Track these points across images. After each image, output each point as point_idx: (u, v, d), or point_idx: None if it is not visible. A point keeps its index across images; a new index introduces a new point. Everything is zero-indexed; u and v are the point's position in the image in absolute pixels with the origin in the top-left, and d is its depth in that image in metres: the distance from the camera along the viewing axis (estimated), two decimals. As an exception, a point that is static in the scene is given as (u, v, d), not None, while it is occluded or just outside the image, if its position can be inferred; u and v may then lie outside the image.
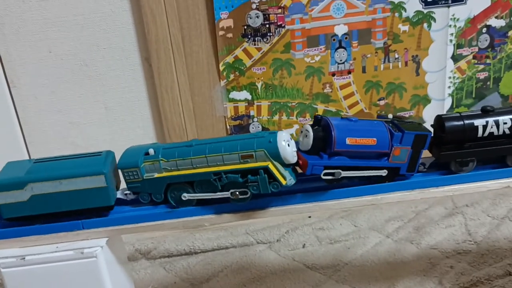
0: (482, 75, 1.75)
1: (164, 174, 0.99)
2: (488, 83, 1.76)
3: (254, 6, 1.59)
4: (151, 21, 1.56)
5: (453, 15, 1.67)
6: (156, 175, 0.99)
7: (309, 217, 1.77)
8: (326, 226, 1.69)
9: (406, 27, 1.67)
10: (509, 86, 1.77)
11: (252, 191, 0.96)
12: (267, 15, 1.61)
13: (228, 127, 1.72)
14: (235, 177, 0.96)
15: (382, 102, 1.74)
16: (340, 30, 1.65)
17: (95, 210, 0.99)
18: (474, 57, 1.73)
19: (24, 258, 0.96)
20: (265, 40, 1.63)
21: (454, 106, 1.78)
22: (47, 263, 0.96)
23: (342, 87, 1.72)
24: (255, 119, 1.72)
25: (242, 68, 1.66)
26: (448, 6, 1.65)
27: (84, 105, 1.66)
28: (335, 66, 1.69)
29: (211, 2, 1.58)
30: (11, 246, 0.99)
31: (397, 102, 1.75)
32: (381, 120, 1.03)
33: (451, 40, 1.70)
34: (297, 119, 1.73)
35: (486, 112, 1.03)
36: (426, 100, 1.76)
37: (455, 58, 1.72)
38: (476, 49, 1.72)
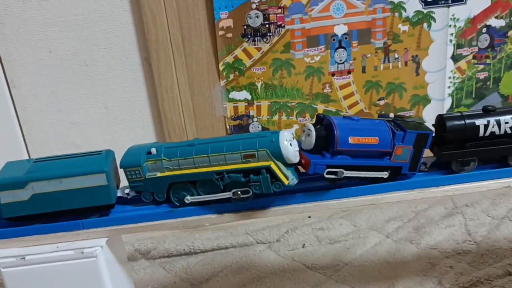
0: (482, 75, 1.75)
1: (166, 173, 0.99)
2: (488, 83, 1.76)
3: (254, 6, 1.59)
4: (151, 21, 1.56)
5: (453, 15, 1.67)
6: (158, 174, 0.99)
7: (309, 217, 1.77)
8: (326, 226, 1.69)
9: (406, 27, 1.67)
10: (509, 86, 1.77)
11: (254, 191, 0.96)
12: (267, 15, 1.61)
13: (227, 127, 1.72)
14: (237, 177, 0.95)
15: (382, 102, 1.75)
16: (340, 30, 1.65)
17: (96, 208, 0.99)
18: (474, 57, 1.73)
19: (24, 258, 0.96)
20: (265, 40, 1.63)
21: (454, 106, 1.78)
22: (47, 263, 0.96)
23: (342, 87, 1.72)
24: (255, 119, 1.72)
25: (242, 68, 1.66)
26: (448, 6, 1.66)
27: (84, 105, 1.66)
28: (335, 66, 1.69)
29: (211, 2, 1.58)
30: (11, 245, 0.99)
31: (397, 102, 1.75)
32: (383, 119, 1.03)
33: (451, 40, 1.70)
34: (297, 119, 1.73)
35: (487, 111, 1.03)
36: (426, 100, 1.76)
37: (455, 58, 1.73)
38: (476, 49, 1.72)
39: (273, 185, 0.95)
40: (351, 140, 0.97)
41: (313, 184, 1.03)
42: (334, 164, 0.97)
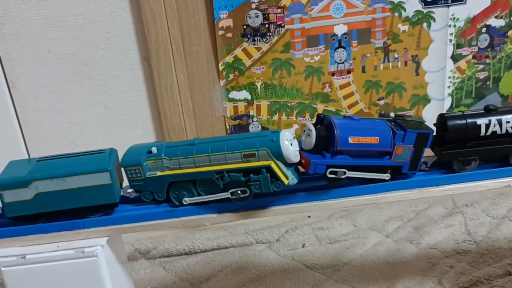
0: (481, 75, 1.76)
1: (167, 172, 0.99)
2: (488, 83, 1.77)
3: (253, 6, 1.59)
4: (151, 21, 1.56)
5: (452, 14, 1.67)
6: (159, 173, 0.99)
7: (309, 217, 1.77)
8: (325, 226, 1.69)
9: (405, 27, 1.67)
10: (508, 86, 1.77)
11: (254, 190, 0.96)
12: (266, 15, 1.61)
13: (227, 126, 1.72)
14: (238, 176, 0.96)
15: (381, 102, 1.75)
16: (340, 29, 1.65)
17: (100, 207, 0.99)
18: (473, 57, 1.73)
19: (24, 257, 0.96)
20: (264, 40, 1.63)
21: (453, 106, 1.78)
22: (47, 262, 0.96)
23: (342, 86, 1.72)
24: (255, 119, 1.72)
25: (242, 67, 1.66)
26: (448, 6, 1.66)
27: (84, 104, 1.66)
28: (335, 66, 1.69)
29: (211, 2, 1.58)
30: (11, 245, 0.99)
31: (396, 101, 1.75)
32: (383, 119, 1.03)
33: (450, 40, 1.70)
34: (296, 118, 1.73)
35: (489, 111, 1.03)
36: (425, 100, 1.76)
37: (455, 58, 1.73)
38: (476, 49, 1.72)
39: (273, 185, 0.95)
40: (351, 140, 0.97)
41: (313, 184, 1.03)
42: (334, 164, 0.97)
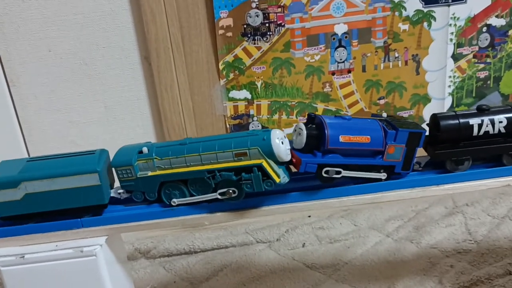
0: (482, 74, 1.75)
1: (158, 172, 0.99)
2: (489, 82, 1.76)
3: (254, 5, 1.59)
4: (151, 20, 1.56)
5: (453, 14, 1.66)
6: (150, 173, 0.99)
7: (309, 216, 1.76)
8: (326, 225, 1.69)
9: (406, 26, 1.67)
10: (509, 85, 1.77)
11: (246, 189, 0.96)
12: (267, 14, 1.61)
13: (227, 126, 1.72)
14: (229, 175, 0.95)
15: (382, 101, 1.74)
16: (340, 29, 1.65)
17: (89, 208, 0.99)
18: (474, 56, 1.73)
19: (23, 257, 0.96)
20: (264, 39, 1.63)
21: (454, 105, 1.77)
22: (46, 262, 0.96)
23: (342, 86, 1.71)
24: (255, 118, 1.72)
25: (242, 67, 1.65)
26: (448, 5, 1.65)
27: (84, 104, 1.66)
28: (335, 65, 1.69)
29: (211, 1, 1.58)
30: (10, 244, 0.99)
31: (397, 101, 1.75)
32: (375, 119, 1.03)
33: (451, 39, 1.70)
34: (297, 118, 1.73)
35: (481, 111, 1.03)
36: (426, 99, 1.76)
37: (455, 57, 1.72)
38: (477, 48, 1.72)
39: (265, 183, 0.95)
40: (342, 138, 0.97)
41: (312, 183, 1.03)
42: (325, 163, 0.97)
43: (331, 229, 1.68)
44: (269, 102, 1.71)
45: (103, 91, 1.65)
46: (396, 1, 1.63)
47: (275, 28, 1.62)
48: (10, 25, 1.55)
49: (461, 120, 1.02)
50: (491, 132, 1.02)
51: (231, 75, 1.66)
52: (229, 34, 1.61)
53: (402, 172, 1.02)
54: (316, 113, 1.70)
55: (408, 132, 0.99)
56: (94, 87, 1.64)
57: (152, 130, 1.71)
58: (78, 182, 0.96)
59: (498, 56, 1.74)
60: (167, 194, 1.00)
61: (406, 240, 1.59)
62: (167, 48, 1.59)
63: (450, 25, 1.68)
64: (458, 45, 1.71)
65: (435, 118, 1.04)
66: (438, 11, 1.66)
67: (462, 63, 1.73)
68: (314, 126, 1.00)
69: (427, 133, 1.03)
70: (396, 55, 1.70)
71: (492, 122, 1.02)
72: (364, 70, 1.70)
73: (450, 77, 1.74)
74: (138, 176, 0.99)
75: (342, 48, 1.67)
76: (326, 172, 0.97)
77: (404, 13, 1.65)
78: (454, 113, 1.03)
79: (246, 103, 1.70)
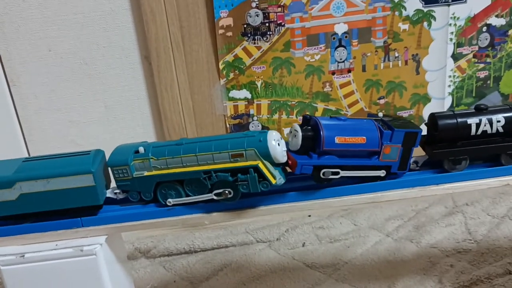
0: (482, 74, 1.75)
1: (154, 172, 0.99)
2: (488, 82, 1.76)
3: (254, 4, 1.59)
4: (151, 20, 1.56)
5: (453, 13, 1.66)
6: (146, 173, 0.99)
7: (309, 216, 1.77)
8: (326, 225, 1.69)
9: (406, 26, 1.67)
10: (509, 85, 1.77)
11: (242, 190, 0.96)
12: (267, 14, 1.61)
13: (227, 125, 1.72)
14: (225, 176, 0.95)
15: (382, 101, 1.74)
16: (340, 28, 1.65)
17: (84, 209, 0.99)
18: (474, 56, 1.73)
19: (23, 256, 0.96)
20: (265, 38, 1.63)
21: (454, 105, 1.77)
22: (46, 261, 0.96)
23: (342, 85, 1.71)
24: (255, 118, 1.72)
25: (242, 66, 1.66)
26: (448, 5, 1.65)
27: (84, 103, 1.66)
28: (335, 65, 1.69)
29: (211, 1, 1.58)
30: (10, 243, 0.99)
31: (397, 101, 1.75)
32: (370, 119, 1.03)
33: (451, 39, 1.70)
34: (297, 118, 1.73)
35: (479, 110, 1.03)
36: (426, 99, 1.76)
37: (455, 57, 1.72)
38: (476, 48, 1.72)
39: (261, 185, 0.95)
40: (337, 140, 0.97)
41: (312, 183, 1.03)
42: (320, 164, 0.97)
43: (331, 228, 1.68)
44: (269, 102, 1.71)
45: (103, 91, 1.65)
46: (396, 1, 1.63)
47: (275, 27, 1.62)
48: (10, 25, 1.55)
49: (459, 120, 1.02)
50: (489, 131, 1.02)
51: (231, 75, 1.66)
52: (229, 33, 1.61)
53: (399, 172, 1.02)
54: (316, 112, 1.72)
55: (404, 132, 0.99)
56: (94, 87, 1.64)
57: (152, 130, 1.71)
58: (72, 182, 0.96)
59: (498, 56, 1.74)
60: (163, 194, 1.00)
61: (406, 239, 1.59)
62: (167, 47, 1.59)
63: (450, 24, 1.68)
64: (458, 44, 1.71)
65: (433, 117, 1.04)
66: (438, 10, 1.66)
67: (462, 62, 1.73)
68: (309, 127, 1.00)
69: (424, 133, 1.03)
70: (396, 54, 1.70)
71: (490, 122, 1.02)
72: (364, 69, 1.70)
73: (450, 76, 1.74)
74: (134, 176, 0.99)
75: (342, 48, 1.67)
76: (324, 174, 0.97)
77: (404, 13, 1.65)
78: (452, 113, 1.03)
79: (246, 102, 1.70)
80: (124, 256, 1.15)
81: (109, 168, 1.00)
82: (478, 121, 1.02)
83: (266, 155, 0.94)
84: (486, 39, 1.71)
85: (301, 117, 1.69)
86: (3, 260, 0.96)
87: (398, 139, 0.99)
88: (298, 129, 0.98)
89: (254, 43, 1.63)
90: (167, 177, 0.98)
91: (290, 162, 0.99)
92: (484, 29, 1.70)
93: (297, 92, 1.70)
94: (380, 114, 1.07)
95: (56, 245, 0.98)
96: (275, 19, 1.62)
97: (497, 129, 1.02)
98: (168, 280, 1.52)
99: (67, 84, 1.63)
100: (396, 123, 1.02)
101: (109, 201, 1.04)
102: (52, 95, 1.64)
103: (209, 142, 0.97)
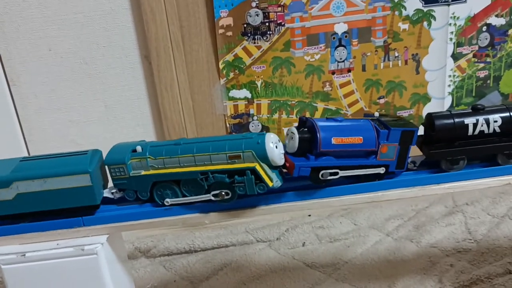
0: (482, 74, 1.75)
1: (151, 171, 0.99)
2: (488, 81, 1.76)
3: (254, 4, 1.59)
4: (151, 19, 1.56)
5: (453, 13, 1.67)
6: (143, 172, 0.99)
7: (309, 215, 1.77)
8: (326, 225, 1.69)
9: (406, 26, 1.67)
10: (509, 84, 1.77)
11: (238, 192, 0.96)
12: (267, 14, 1.61)
13: (228, 125, 1.72)
14: (222, 177, 0.95)
15: (382, 101, 1.74)
16: (340, 28, 1.65)
17: (81, 209, 0.99)
18: (474, 56, 1.73)
19: (24, 255, 0.96)
20: (265, 38, 1.63)
21: (454, 105, 1.78)
22: (47, 260, 0.96)
23: (342, 85, 1.72)
24: (255, 118, 1.72)
25: (242, 66, 1.66)
26: (448, 5, 1.66)
27: (84, 103, 1.66)
28: (335, 65, 1.69)
29: (211, 0, 1.58)
30: (11, 242, 0.99)
31: (397, 100, 1.75)
32: (367, 119, 1.03)
33: (451, 39, 1.70)
34: (297, 117, 1.73)
35: (476, 110, 1.03)
36: (426, 98, 1.76)
37: (455, 57, 1.72)
38: (476, 47, 1.72)
39: (257, 187, 0.95)
40: (334, 140, 0.97)
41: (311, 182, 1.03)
42: (318, 166, 0.97)
43: (331, 228, 1.68)
44: (269, 102, 1.71)
45: (103, 90, 1.65)
46: (396, 1, 1.63)
47: (275, 27, 1.62)
48: (11, 24, 1.55)
49: (456, 120, 1.02)
50: (486, 131, 1.02)
51: (231, 74, 1.66)
52: (229, 33, 1.61)
53: (397, 171, 1.02)
54: (316, 112, 1.72)
55: (400, 131, 0.99)
56: (94, 86, 1.64)
57: (152, 129, 1.71)
58: (69, 182, 0.95)
59: (498, 56, 1.74)
60: (159, 193, 1.00)
61: (406, 239, 1.59)
62: (167, 47, 1.59)
63: (450, 24, 1.68)
64: (458, 44, 1.71)
65: (430, 117, 1.04)
66: (438, 10, 1.66)
67: (462, 62, 1.73)
68: (306, 129, 1.00)
69: (421, 132, 1.03)
70: (396, 54, 1.70)
71: (487, 122, 1.02)
72: (364, 69, 1.70)
73: (450, 76, 1.74)
74: (131, 175, 0.99)
75: (342, 48, 1.67)
76: (322, 175, 0.97)
77: (404, 13, 1.65)
78: (449, 113, 1.03)
79: (246, 102, 1.70)
80: (124, 255, 1.15)
81: (106, 167, 1.00)
82: (475, 121, 1.02)
83: (263, 157, 0.94)
84: (486, 38, 1.72)
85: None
86: (4, 259, 0.96)
87: (395, 138, 0.99)
88: (295, 131, 0.98)
89: (254, 43, 1.63)
90: (164, 177, 0.98)
91: (287, 164, 0.99)
92: (484, 28, 1.70)
93: (297, 91, 1.70)
94: (376, 114, 1.07)
95: (57, 244, 0.98)
96: (275, 19, 1.62)
97: (494, 129, 1.02)
98: (168, 279, 1.52)
99: (67, 83, 1.63)
100: (392, 122, 1.02)
101: (106, 200, 1.03)
102: (52, 94, 1.64)
103: (207, 143, 0.97)
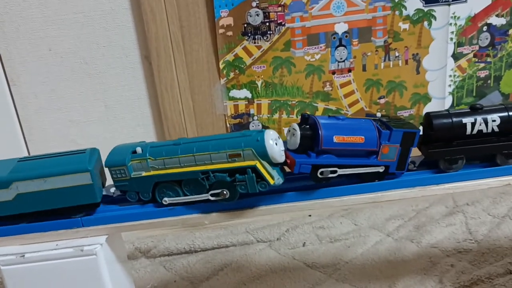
0: (482, 74, 1.75)
1: (152, 172, 0.98)
2: (489, 81, 1.76)
3: (254, 4, 1.59)
4: (151, 19, 1.56)
5: (453, 13, 1.66)
6: (144, 173, 0.98)
7: (310, 215, 1.76)
8: (326, 225, 1.69)
9: (406, 25, 1.67)
10: (509, 84, 1.77)
11: (240, 190, 0.95)
12: (267, 13, 1.61)
13: (228, 125, 1.72)
14: (223, 176, 0.95)
15: (382, 101, 1.74)
16: (341, 28, 1.65)
17: (82, 208, 0.99)
18: (474, 56, 1.73)
19: (23, 256, 0.96)
20: (265, 38, 1.63)
21: (454, 105, 1.77)
22: (46, 261, 0.96)
23: (343, 85, 1.71)
24: (255, 118, 1.72)
25: (242, 66, 1.65)
26: (449, 4, 1.65)
27: (84, 103, 1.66)
28: (335, 64, 1.69)
29: (211, 0, 1.57)
30: (10, 243, 0.99)
31: (397, 100, 1.75)
32: (369, 119, 1.03)
33: (451, 39, 1.70)
34: (297, 117, 1.73)
35: (474, 109, 1.03)
36: (426, 98, 1.76)
37: (456, 57, 1.72)
38: (477, 47, 1.72)
39: (259, 185, 0.94)
40: (336, 139, 0.97)
41: (311, 182, 1.03)
42: (319, 164, 0.97)
43: (332, 228, 1.68)
44: (270, 101, 1.71)
45: (104, 90, 1.65)
46: (396, 0, 1.63)
47: (276, 27, 1.62)
48: (11, 24, 1.55)
49: (454, 119, 1.02)
50: (484, 131, 1.02)
51: (232, 74, 1.66)
52: (230, 33, 1.61)
53: (397, 172, 1.02)
54: (317, 112, 1.72)
55: (402, 132, 0.99)
56: (94, 86, 1.64)
57: (152, 129, 1.71)
58: (69, 181, 0.95)
59: (499, 55, 1.74)
60: (162, 194, 1.00)
61: (407, 239, 1.59)
62: (168, 47, 1.59)
63: (451, 24, 1.68)
64: (459, 44, 1.71)
65: (428, 117, 1.04)
66: (439, 10, 1.66)
67: (463, 62, 1.73)
68: (308, 126, 0.99)
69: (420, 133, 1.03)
70: (397, 54, 1.69)
71: (485, 121, 1.02)
72: (364, 69, 1.70)
73: (450, 76, 1.74)
74: (132, 176, 0.99)
75: (343, 47, 1.67)
76: (321, 173, 0.97)
77: (405, 12, 1.65)
78: (447, 112, 1.03)
79: (247, 102, 1.70)
80: (124, 256, 1.15)
81: (107, 169, 1.00)
82: (473, 121, 1.02)
83: (263, 155, 0.94)
84: (487, 38, 1.71)
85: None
86: (4, 260, 0.95)
87: (396, 139, 0.99)
88: (297, 128, 0.98)
89: (255, 43, 1.63)
90: (165, 177, 0.98)
91: (288, 161, 0.98)
92: (485, 28, 1.70)
93: (297, 91, 1.70)
94: (378, 114, 1.07)
95: (57, 245, 0.97)
96: (276, 19, 1.62)
97: (492, 129, 1.02)
98: (168, 280, 1.52)
99: (67, 83, 1.63)
100: (394, 123, 1.01)
101: (107, 201, 1.04)
102: (52, 94, 1.64)
103: (206, 142, 0.97)
